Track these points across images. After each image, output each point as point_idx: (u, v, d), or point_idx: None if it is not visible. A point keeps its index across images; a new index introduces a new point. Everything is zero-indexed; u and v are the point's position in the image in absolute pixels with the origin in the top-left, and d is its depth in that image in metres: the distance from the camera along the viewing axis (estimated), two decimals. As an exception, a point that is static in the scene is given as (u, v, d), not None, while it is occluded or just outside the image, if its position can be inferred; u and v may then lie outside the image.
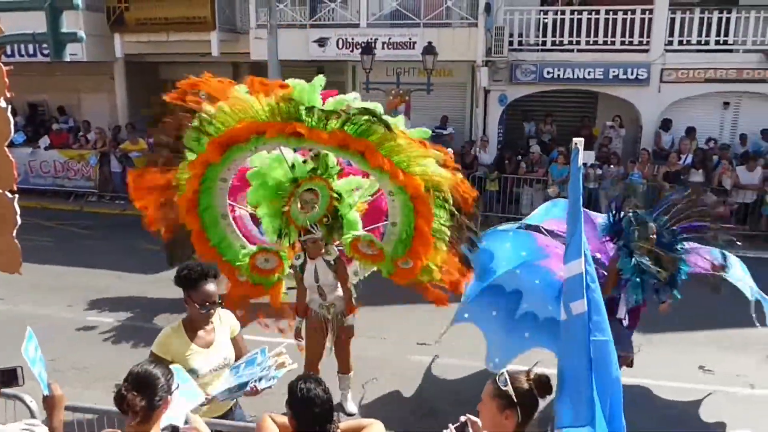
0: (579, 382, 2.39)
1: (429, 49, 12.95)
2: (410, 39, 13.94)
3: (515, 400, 2.49)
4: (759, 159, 12.04)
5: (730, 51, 13.35)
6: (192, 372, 3.35)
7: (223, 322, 3.65)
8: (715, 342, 7.36)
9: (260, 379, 3.33)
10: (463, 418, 2.63)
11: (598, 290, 2.37)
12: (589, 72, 13.77)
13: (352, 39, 14.17)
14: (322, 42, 14.29)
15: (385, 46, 14.05)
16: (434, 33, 13.69)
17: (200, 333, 3.50)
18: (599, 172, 12.25)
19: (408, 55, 14.00)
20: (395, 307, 8.37)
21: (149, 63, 17.14)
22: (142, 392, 2.48)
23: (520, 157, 12.83)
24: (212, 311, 3.45)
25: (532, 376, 2.52)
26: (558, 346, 2.53)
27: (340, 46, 14.29)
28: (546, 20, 14.02)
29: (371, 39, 13.79)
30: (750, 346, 7.16)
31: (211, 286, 3.42)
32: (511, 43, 13.83)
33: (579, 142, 2.47)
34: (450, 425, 2.67)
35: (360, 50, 13.45)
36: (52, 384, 2.64)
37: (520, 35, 14.10)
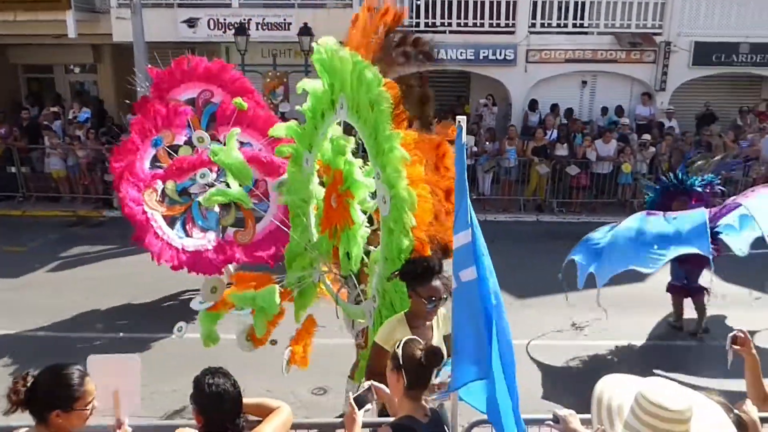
0: (473, 344, 2.53)
1: (305, 30, 12.80)
2: (285, 20, 13.71)
3: (401, 363, 2.62)
4: (614, 132, 13.18)
5: (586, 33, 14.43)
6: None
7: (441, 320, 3.56)
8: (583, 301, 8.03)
9: None
10: (366, 384, 2.74)
11: (488, 257, 2.51)
12: (461, 53, 14.30)
13: (224, 19, 13.70)
14: (192, 22, 13.67)
15: (260, 26, 13.72)
16: (309, 14, 13.55)
17: (421, 328, 3.45)
18: (475, 149, 12.83)
19: (284, 36, 13.77)
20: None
21: (-5, 45, 15.53)
22: (34, 384, 2.43)
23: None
24: (438, 306, 3.40)
25: (426, 346, 2.64)
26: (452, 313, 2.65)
27: (212, 26, 13.75)
28: (419, 2, 14.33)
29: (244, 19, 13.40)
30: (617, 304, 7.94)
31: (437, 282, 3.38)
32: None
33: (462, 120, 2.58)
34: (350, 393, 2.76)
35: (233, 31, 13.02)
36: None
37: (395, 16, 14.30)
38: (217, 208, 8.23)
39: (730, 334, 3.14)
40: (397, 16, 4.16)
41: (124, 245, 10.32)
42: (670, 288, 7.41)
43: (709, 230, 6.09)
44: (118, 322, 7.61)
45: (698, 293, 7.15)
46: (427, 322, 3.49)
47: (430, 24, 14.31)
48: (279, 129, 4.77)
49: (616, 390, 2.21)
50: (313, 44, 4.24)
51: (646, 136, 13.02)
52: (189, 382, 6.10)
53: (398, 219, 3.56)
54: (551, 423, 2.83)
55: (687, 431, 1.96)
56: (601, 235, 6.73)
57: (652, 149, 12.77)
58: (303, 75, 13.56)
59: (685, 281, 7.19)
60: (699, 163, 7.66)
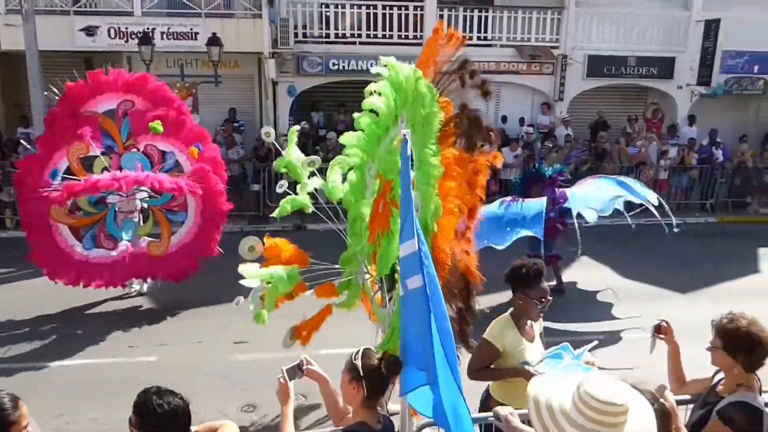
0: (421, 349, 2.60)
1: (214, 40, 12.51)
2: (192, 29, 13.34)
3: (361, 374, 2.65)
4: (519, 141, 13.84)
5: (490, 46, 15.08)
6: (525, 365, 3.53)
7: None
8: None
9: None
10: (302, 356, 2.89)
11: (432, 266, 2.60)
12: (371, 63, 14.38)
13: (126, 28, 13.13)
14: (90, 31, 13.00)
15: (165, 36, 13.27)
16: (217, 23, 13.27)
17: (526, 328, 3.68)
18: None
19: (190, 46, 13.39)
20: (201, 310, 8.10)
21: None
22: None
23: (318, 147, 13.08)
24: (546, 307, 3.62)
25: (384, 356, 2.69)
26: (401, 319, 2.72)
27: (113, 35, 13.14)
28: (328, 13, 14.42)
29: (148, 28, 12.91)
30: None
31: (545, 284, 3.64)
32: (296, 35, 14.00)
33: (407, 133, 2.67)
34: (282, 367, 2.85)
35: (136, 40, 12.50)
36: None
37: (305, 27, 14.33)
38: (136, 217, 7.98)
39: (653, 324, 3.41)
40: (459, 41, 4.25)
41: (19, 268, 9.62)
42: (547, 259, 8.44)
43: (544, 217, 7.54)
44: (15, 348, 7.07)
45: (558, 258, 8.78)
46: (529, 322, 3.72)
47: (340, 35, 14.43)
48: (349, 137, 4.70)
49: (551, 390, 2.27)
50: (381, 64, 4.11)
51: (548, 143, 13.78)
52: (106, 409, 5.84)
53: (424, 227, 3.70)
54: (493, 421, 2.95)
55: (626, 421, 2.11)
56: None
57: (554, 155, 13.50)
58: (212, 86, 13.30)
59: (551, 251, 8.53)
60: (552, 155, 9.58)
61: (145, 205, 8.07)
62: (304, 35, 14.30)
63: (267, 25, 13.44)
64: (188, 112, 8.21)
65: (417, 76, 3.86)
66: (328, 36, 14.44)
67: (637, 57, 15.52)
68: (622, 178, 8.85)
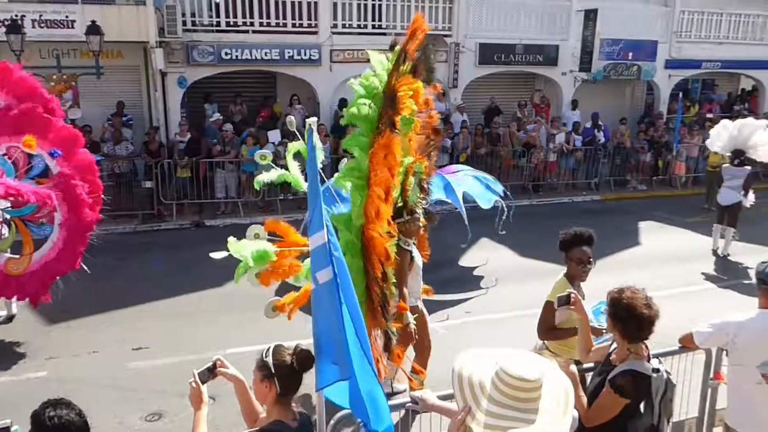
0: (334, 343, 2.56)
1: (94, 29, 11.68)
2: (67, 17, 12.38)
3: (273, 371, 2.59)
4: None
5: (385, 34, 15.12)
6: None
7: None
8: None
9: None
10: (215, 357, 2.84)
11: (342, 256, 2.56)
12: (266, 53, 14.15)
13: (-9, 16, 11.97)
14: (-52, 17, 11.74)
15: (36, 24, 12.23)
16: (96, 10, 12.39)
17: (578, 289, 4.04)
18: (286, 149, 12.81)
19: (67, 35, 12.43)
20: (95, 318, 7.59)
21: None
22: None
23: (216, 140, 12.62)
24: (588, 268, 4.10)
25: (295, 351, 2.62)
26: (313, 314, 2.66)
27: (-25, 23, 11.94)
28: (218, 0, 13.87)
29: (17, 15, 11.84)
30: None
31: (586, 248, 4.12)
32: (184, 23, 13.37)
33: (312, 122, 2.59)
34: (194, 370, 2.79)
35: (4, 29, 11.43)
36: None
37: (193, 15, 13.70)
38: (3, 230, 7.20)
39: (561, 295, 3.62)
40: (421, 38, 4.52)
41: None
42: None
43: None
44: None
45: None
46: (582, 282, 4.20)
47: (231, 23, 13.94)
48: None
49: (475, 365, 2.32)
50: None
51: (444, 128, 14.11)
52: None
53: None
54: (412, 405, 2.97)
55: (540, 396, 2.18)
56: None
57: (449, 141, 13.88)
58: (94, 78, 12.44)
59: None
60: None
61: (8, 216, 7.16)
62: (194, 23, 13.66)
63: (152, 12, 12.70)
64: (60, 108, 7.42)
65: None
66: (219, 24, 13.90)
67: (524, 45, 16.19)
68: (456, 179, 8.92)
